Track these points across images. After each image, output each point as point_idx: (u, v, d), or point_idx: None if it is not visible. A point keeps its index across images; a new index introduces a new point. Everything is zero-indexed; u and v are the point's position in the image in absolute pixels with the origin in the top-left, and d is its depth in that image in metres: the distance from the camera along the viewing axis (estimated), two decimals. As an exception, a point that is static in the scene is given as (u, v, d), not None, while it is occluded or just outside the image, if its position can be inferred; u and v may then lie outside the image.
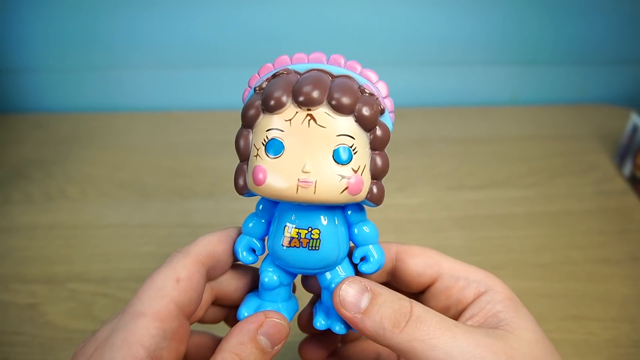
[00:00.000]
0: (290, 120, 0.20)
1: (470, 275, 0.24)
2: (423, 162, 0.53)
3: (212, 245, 0.23)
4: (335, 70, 0.21)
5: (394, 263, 0.25)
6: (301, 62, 0.22)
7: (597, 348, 0.35)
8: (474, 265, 0.25)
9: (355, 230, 0.23)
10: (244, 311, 0.23)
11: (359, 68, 0.22)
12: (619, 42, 0.61)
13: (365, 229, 0.23)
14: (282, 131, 0.20)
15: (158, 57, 0.60)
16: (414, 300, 0.21)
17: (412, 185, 0.49)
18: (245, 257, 0.23)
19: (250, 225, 0.24)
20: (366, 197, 0.21)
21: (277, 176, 0.20)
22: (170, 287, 0.21)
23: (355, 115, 0.20)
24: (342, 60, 0.22)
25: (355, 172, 0.20)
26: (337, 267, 0.23)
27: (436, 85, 0.63)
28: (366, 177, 0.21)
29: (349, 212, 0.23)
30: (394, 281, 0.25)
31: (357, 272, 0.23)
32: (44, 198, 0.48)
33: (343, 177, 0.20)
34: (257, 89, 0.21)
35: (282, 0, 0.56)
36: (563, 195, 0.49)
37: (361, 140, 0.21)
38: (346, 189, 0.20)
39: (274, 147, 0.20)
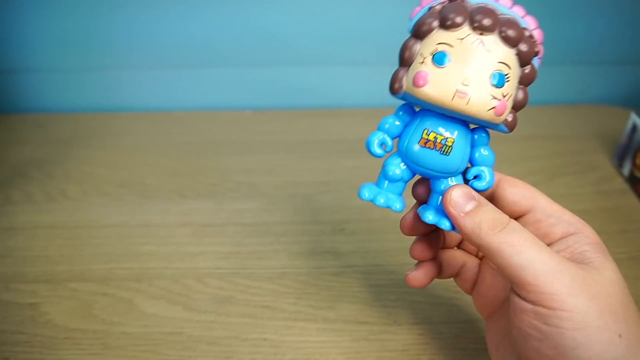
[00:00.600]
0: (462, 39, 0.23)
1: (563, 215, 0.26)
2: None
3: None
4: (502, 9, 0.24)
5: (493, 189, 0.27)
6: None
7: (597, 347, 0.35)
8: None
9: (476, 153, 0.26)
10: (365, 192, 0.26)
11: (522, 13, 0.24)
12: (618, 43, 0.61)
13: (484, 152, 0.27)
14: (452, 47, 0.23)
15: (158, 57, 0.60)
16: (513, 220, 0.24)
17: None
18: (376, 150, 0.26)
19: (387, 125, 0.26)
20: (503, 122, 0.24)
21: (438, 82, 0.23)
22: None
23: (517, 50, 0.23)
24: (509, 3, 0.24)
25: (504, 96, 0.23)
26: (449, 179, 0.26)
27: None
28: (509, 104, 0.24)
29: (476, 136, 0.26)
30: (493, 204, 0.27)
31: None
32: (44, 198, 0.48)
33: (494, 97, 0.23)
34: (432, 8, 0.24)
35: (282, 1, 0.56)
36: (562, 195, 0.49)
37: (514, 72, 0.24)
38: (493, 108, 0.23)
39: (440, 58, 0.23)
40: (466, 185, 0.25)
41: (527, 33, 0.24)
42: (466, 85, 0.22)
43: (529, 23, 0.24)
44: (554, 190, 0.49)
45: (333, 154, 0.54)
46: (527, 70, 0.24)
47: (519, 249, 0.22)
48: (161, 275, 0.40)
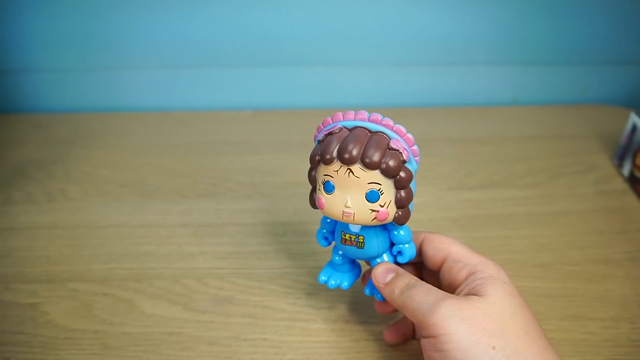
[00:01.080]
0: (337, 171, 0.28)
1: (469, 260, 0.30)
2: (423, 162, 0.52)
3: None
4: (373, 127, 0.28)
5: (420, 247, 0.33)
6: (349, 120, 0.29)
7: (597, 347, 0.35)
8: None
9: (395, 233, 0.31)
10: (322, 276, 0.33)
11: (392, 124, 0.28)
12: (619, 43, 0.61)
13: (401, 232, 0.31)
14: (332, 177, 0.28)
15: (158, 57, 0.60)
16: (419, 280, 0.30)
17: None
18: (322, 242, 0.33)
19: (327, 221, 0.33)
20: (393, 220, 0.29)
21: (330, 206, 0.29)
22: None
23: (381, 169, 0.27)
24: (380, 118, 0.28)
25: (382, 206, 0.28)
26: (382, 256, 0.32)
27: (437, 86, 0.63)
28: (391, 209, 0.28)
29: (389, 223, 0.30)
30: (422, 260, 0.33)
31: (395, 260, 0.32)
32: (44, 198, 0.48)
33: (373, 210, 0.28)
34: (319, 141, 0.29)
35: (282, 1, 0.56)
36: (563, 195, 0.49)
37: (386, 184, 0.28)
38: (375, 218, 0.28)
39: (328, 187, 0.28)
40: (387, 263, 0.31)
41: (394, 146, 0.28)
42: (348, 207, 0.28)
43: (399, 132, 0.28)
44: (555, 190, 0.49)
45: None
46: (400, 176, 0.28)
47: (414, 299, 0.28)
48: (161, 275, 0.40)
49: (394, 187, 0.28)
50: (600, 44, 0.61)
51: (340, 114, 0.29)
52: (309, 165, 0.30)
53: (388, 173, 0.27)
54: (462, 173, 0.51)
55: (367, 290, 0.34)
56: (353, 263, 0.34)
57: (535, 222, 0.45)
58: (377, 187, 0.28)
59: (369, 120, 0.28)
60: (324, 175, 0.28)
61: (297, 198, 0.48)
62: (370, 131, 0.28)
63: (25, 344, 0.35)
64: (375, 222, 0.28)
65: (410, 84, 0.63)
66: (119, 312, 0.37)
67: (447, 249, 0.31)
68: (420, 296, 0.28)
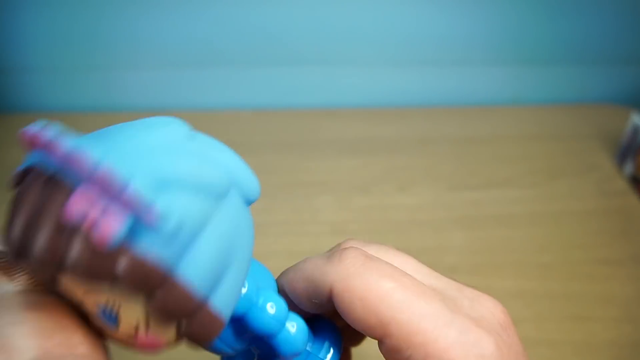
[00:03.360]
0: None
1: (428, 348, 0.16)
2: (423, 162, 0.52)
3: None
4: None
5: (328, 298, 0.18)
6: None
7: (598, 348, 0.35)
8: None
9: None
10: None
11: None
12: (619, 42, 0.61)
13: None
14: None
15: (159, 56, 0.60)
16: None
17: (412, 185, 0.49)
18: None
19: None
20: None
21: None
22: None
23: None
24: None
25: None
26: None
27: (436, 85, 0.63)
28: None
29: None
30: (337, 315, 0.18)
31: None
32: (43, 198, 0.48)
33: None
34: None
35: (281, 0, 0.56)
36: (563, 195, 0.49)
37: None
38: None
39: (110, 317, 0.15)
40: None
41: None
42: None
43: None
44: (556, 190, 0.49)
45: (333, 154, 0.54)
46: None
47: None
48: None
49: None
50: (601, 43, 0.61)
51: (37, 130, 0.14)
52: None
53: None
54: (462, 173, 0.51)
55: None
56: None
57: (536, 222, 0.45)
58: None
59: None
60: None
61: (297, 198, 0.48)
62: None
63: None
64: None
65: (410, 83, 0.63)
66: (118, 312, 0.37)
67: (392, 319, 0.16)
68: None
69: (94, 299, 0.14)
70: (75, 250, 0.13)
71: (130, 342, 0.15)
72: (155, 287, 0.13)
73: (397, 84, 0.63)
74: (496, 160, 0.53)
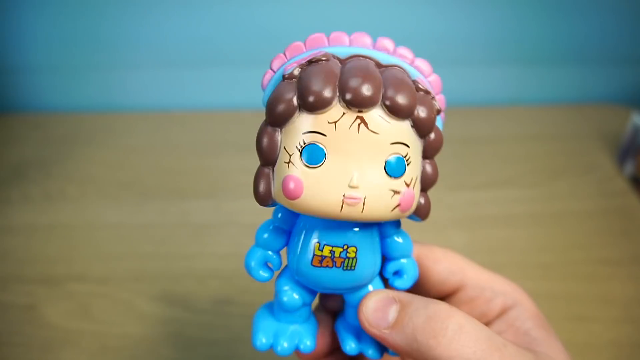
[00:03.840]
0: (335, 122, 0.16)
1: (497, 286, 0.22)
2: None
3: None
4: (383, 58, 0.18)
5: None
6: (341, 45, 0.18)
7: (599, 348, 0.35)
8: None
9: (389, 243, 0.20)
10: (261, 337, 0.20)
11: (410, 56, 0.18)
12: (619, 42, 0.61)
13: (399, 240, 0.20)
14: (325, 135, 0.16)
15: (158, 56, 0.60)
16: (453, 306, 0.18)
17: (412, 185, 0.49)
18: (260, 274, 0.20)
19: (266, 235, 0.20)
20: (413, 212, 0.18)
21: (316, 190, 0.16)
22: None
23: (412, 120, 0.17)
24: (392, 46, 0.18)
25: (408, 185, 0.17)
26: (368, 286, 0.20)
27: (436, 85, 0.63)
28: (417, 190, 0.18)
29: (382, 225, 0.20)
30: (413, 288, 0.22)
31: (387, 287, 0.21)
32: (43, 198, 0.48)
33: (395, 192, 0.17)
34: (286, 76, 0.17)
35: (281, 0, 0.56)
36: (564, 195, 0.49)
37: (415, 148, 0.17)
38: (398, 205, 0.17)
39: (314, 154, 0.16)
40: (379, 290, 0.20)
41: (421, 88, 0.17)
42: (355, 188, 0.16)
43: (422, 69, 0.18)
44: (556, 190, 0.49)
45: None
46: (432, 138, 0.18)
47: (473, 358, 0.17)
48: (161, 275, 0.40)
49: (421, 155, 0.18)
50: (601, 43, 0.61)
51: (323, 36, 0.18)
52: (262, 122, 0.18)
53: (423, 126, 0.17)
54: (462, 173, 0.51)
55: (350, 346, 0.20)
56: (310, 306, 0.21)
57: (536, 222, 0.45)
58: (404, 150, 0.17)
59: (374, 47, 0.18)
60: (305, 134, 0.16)
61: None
62: (380, 64, 0.18)
63: (23, 345, 0.35)
64: (395, 215, 0.17)
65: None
66: (118, 312, 0.37)
67: (463, 270, 0.22)
68: (488, 358, 0.17)
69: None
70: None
71: (352, 200, 0.17)
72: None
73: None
74: (496, 160, 0.53)
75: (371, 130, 0.16)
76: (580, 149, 0.55)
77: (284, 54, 0.18)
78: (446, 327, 0.17)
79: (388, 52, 0.18)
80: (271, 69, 0.18)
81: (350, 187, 0.16)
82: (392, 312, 0.18)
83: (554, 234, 0.44)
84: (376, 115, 0.16)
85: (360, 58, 0.17)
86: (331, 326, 0.22)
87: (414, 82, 0.17)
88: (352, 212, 0.16)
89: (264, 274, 0.20)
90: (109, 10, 0.57)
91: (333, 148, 0.16)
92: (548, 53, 0.61)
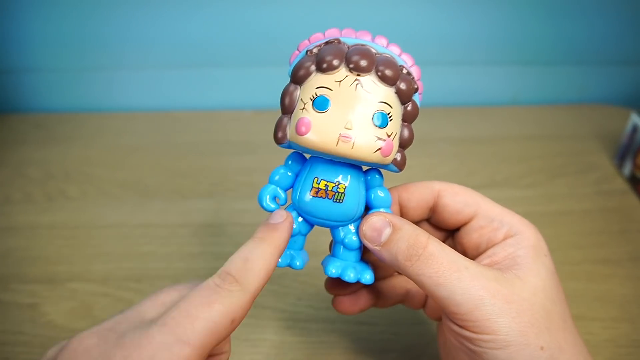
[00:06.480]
0: (340, 81, 0.23)
1: (505, 218, 0.26)
2: (423, 162, 0.53)
3: (263, 282, 0.22)
4: (378, 48, 0.24)
5: (435, 200, 0.27)
6: (349, 37, 0.24)
7: (597, 348, 0.35)
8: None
9: (372, 195, 0.25)
10: None
11: (397, 51, 0.24)
12: (619, 42, 0.61)
13: (380, 193, 0.25)
14: (331, 90, 0.23)
15: (158, 57, 0.60)
16: (432, 237, 0.23)
17: (412, 185, 0.49)
18: (268, 205, 0.25)
19: (277, 177, 0.26)
20: (392, 162, 0.24)
21: (320, 128, 0.22)
22: (224, 327, 0.21)
23: (395, 88, 0.23)
24: (385, 42, 0.24)
25: (389, 136, 0.23)
26: (349, 226, 0.25)
27: (436, 85, 0.63)
28: (396, 143, 0.24)
29: (369, 177, 0.26)
30: (434, 217, 0.28)
31: None
32: (44, 198, 0.48)
33: (378, 138, 0.23)
34: (308, 52, 0.24)
35: (282, 0, 0.56)
36: (563, 195, 0.49)
37: (396, 111, 0.23)
38: (379, 149, 0.23)
39: (322, 102, 0.23)
40: (379, 212, 0.25)
41: (404, 71, 0.24)
42: (349, 129, 0.22)
43: (406, 60, 0.24)
44: (555, 190, 0.49)
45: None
46: (409, 108, 0.24)
47: (438, 281, 0.22)
48: (161, 275, 0.40)
49: (401, 118, 0.24)
50: (601, 44, 0.61)
51: (337, 29, 0.25)
52: (288, 82, 0.24)
53: (403, 95, 0.23)
54: (462, 173, 0.51)
55: (331, 269, 0.25)
56: (305, 237, 0.27)
57: (535, 222, 0.45)
58: (388, 108, 0.23)
59: (373, 41, 0.24)
60: (317, 88, 0.23)
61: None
62: (376, 51, 0.24)
63: (24, 345, 0.35)
64: (376, 157, 0.23)
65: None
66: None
67: (477, 203, 0.26)
68: (449, 281, 0.22)
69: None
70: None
71: (345, 138, 0.22)
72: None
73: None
74: (496, 160, 0.53)
75: (365, 90, 0.23)
76: (579, 149, 0.55)
77: (308, 40, 0.24)
78: (420, 254, 0.23)
79: (383, 46, 0.24)
80: (297, 49, 0.25)
81: (346, 128, 0.22)
82: (386, 233, 0.24)
83: (552, 234, 0.44)
84: (370, 80, 0.23)
85: (363, 45, 0.24)
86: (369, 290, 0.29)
87: (400, 66, 0.24)
88: (345, 147, 0.22)
89: (271, 204, 0.25)
90: (109, 11, 0.57)
91: (336, 100, 0.23)
92: (547, 53, 0.61)
